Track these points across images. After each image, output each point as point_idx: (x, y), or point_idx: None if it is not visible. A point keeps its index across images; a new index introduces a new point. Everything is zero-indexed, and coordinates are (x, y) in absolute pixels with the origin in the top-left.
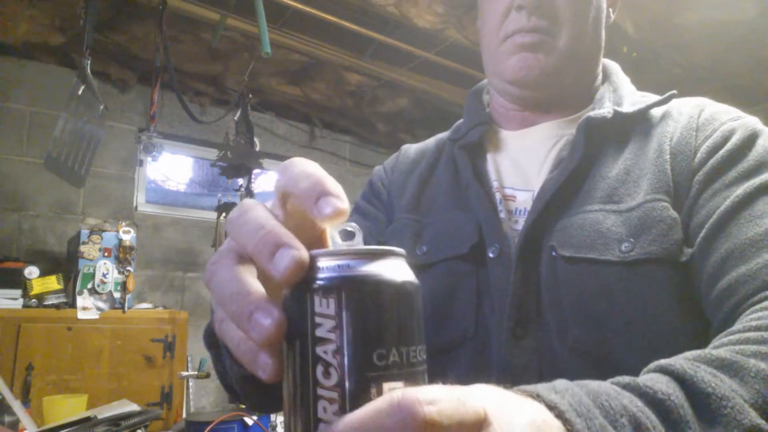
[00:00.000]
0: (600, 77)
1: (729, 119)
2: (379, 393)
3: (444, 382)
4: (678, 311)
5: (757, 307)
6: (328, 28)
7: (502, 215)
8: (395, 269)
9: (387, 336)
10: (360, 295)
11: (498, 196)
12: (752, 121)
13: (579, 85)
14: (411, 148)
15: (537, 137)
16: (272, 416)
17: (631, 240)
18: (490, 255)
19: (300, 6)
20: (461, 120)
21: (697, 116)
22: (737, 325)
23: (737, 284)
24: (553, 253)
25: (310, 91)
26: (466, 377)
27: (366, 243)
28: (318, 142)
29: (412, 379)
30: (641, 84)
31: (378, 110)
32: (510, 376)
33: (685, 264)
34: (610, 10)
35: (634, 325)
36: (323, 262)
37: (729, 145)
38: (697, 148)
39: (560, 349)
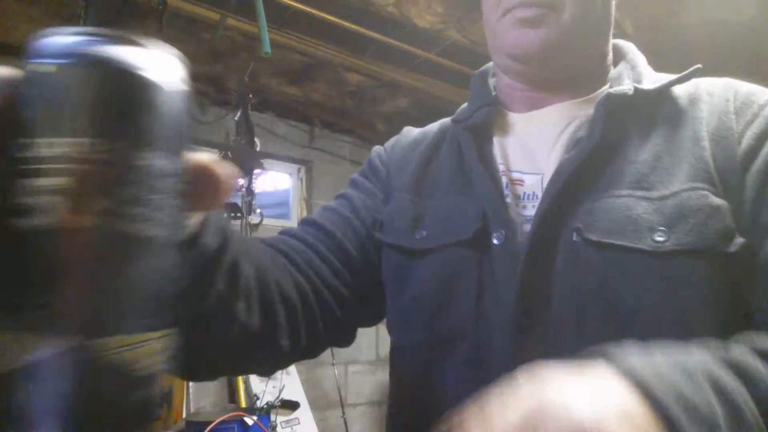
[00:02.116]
0: (611, 57)
1: (765, 102)
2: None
3: (439, 377)
4: (714, 307)
5: None
6: (328, 28)
7: (509, 200)
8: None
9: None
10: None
11: (504, 179)
12: None
13: (590, 62)
14: (413, 130)
15: (547, 119)
16: (272, 416)
17: (665, 229)
18: (495, 242)
19: (300, 6)
20: (465, 104)
21: (732, 99)
22: None
23: None
24: (575, 238)
25: (310, 91)
26: (463, 372)
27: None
28: (318, 142)
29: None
30: None
31: (378, 110)
32: (509, 372)
33: (733, 255)
34: None
35: (663, 322)
36: None
37: None
38: (741, 134)
39: (573, 344)
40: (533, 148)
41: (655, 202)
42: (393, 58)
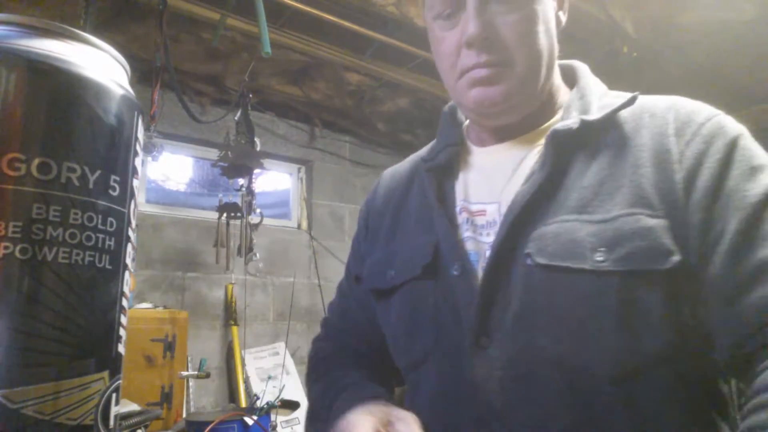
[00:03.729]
0: (559, 84)
1: (705, 120)
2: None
3: (418, 397)
4: (658, 321)
5: None
6: (328, 28)
7: (467, 233)
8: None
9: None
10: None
11: (464, 215)
12: (727, 123)
13: (542, 97)
14: (387, 175)
15: (506, 152)
16: (272, 416)
17: (605, 250)
18: (454, 273)
19: (300, 6)
20: (434, 141)
21: (672, 120)
22: None
23: None
24: (528, 261)
25: (310, 91)
26: (434, 393)
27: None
28: (318, 142)
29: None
30: (641, 84)
31: (378, 110)
32: (471, 388)
33: (669, 272)
34: (560, 13)
35: (607, 336)
36: None
37: (714, 151)
38: (681, 154)
39: (528, 359)
40: (493, 179)
41: (596, 224)
42: (393, 58)
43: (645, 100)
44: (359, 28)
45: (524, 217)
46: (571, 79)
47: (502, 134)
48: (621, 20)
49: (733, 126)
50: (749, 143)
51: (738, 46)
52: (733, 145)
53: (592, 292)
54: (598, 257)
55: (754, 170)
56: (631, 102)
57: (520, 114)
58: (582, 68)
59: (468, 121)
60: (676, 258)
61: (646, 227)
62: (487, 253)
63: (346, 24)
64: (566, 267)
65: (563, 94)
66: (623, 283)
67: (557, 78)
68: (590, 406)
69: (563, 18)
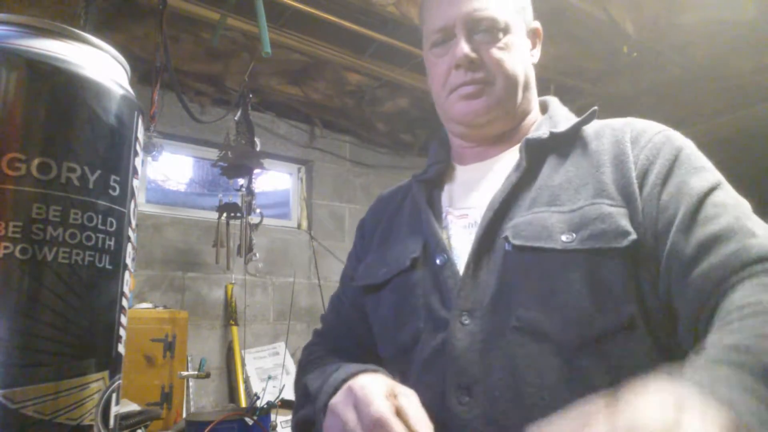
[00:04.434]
0: (537, 111)
1: (656, 133)
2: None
3: (406, 376)
4: (617, 292)
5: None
6: (328, 28)
7: (452, 231)
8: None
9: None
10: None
11: (449, 218)
12: (675, 135)
13: (519, 119)
14: (383, 195)
15: (486, 168)
16: (272, 416)
17: (572, 233)
18: (437, 263)
19: (300, 6)
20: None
21: (629, 131)
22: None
23: (716, 268)
24: (506, 246)
25: (310, 91)
26: (421, 368)
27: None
28: (318, 142)
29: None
30: (641, 84)
31: (378, 110)
32: (454, 360)
33: (626, 249)
34: (533, 52)
35: (572, 305)
36: None
37: (663, 154)
38: (637, 156)
39: (504, 330)
40: (475, 189)
41: (565, 214)
42: (393, 58)
43: (605, 121)
44: (359, 28)
45: (502, 212)
46: (544, 110)
47: (485, 150)
48: (621, 20)
49: (679, 137)
50: (693, 151)
51: (738, 46)
52: (678, 151)
53: (561, 268)
54: (565, 238)
55: (696, 170)
56: (591, 116)
57: (499, 127)
58: (553, 100)
59: (452, 144)
60: (632, 237)
61: (607, 213)
62: (470, 246)
63: (346, 24)
64: (539, 247)
65: (536, 120)
66: (588, 260)
67: (535, 106)
68: (560, 369)
69: (536, 56)
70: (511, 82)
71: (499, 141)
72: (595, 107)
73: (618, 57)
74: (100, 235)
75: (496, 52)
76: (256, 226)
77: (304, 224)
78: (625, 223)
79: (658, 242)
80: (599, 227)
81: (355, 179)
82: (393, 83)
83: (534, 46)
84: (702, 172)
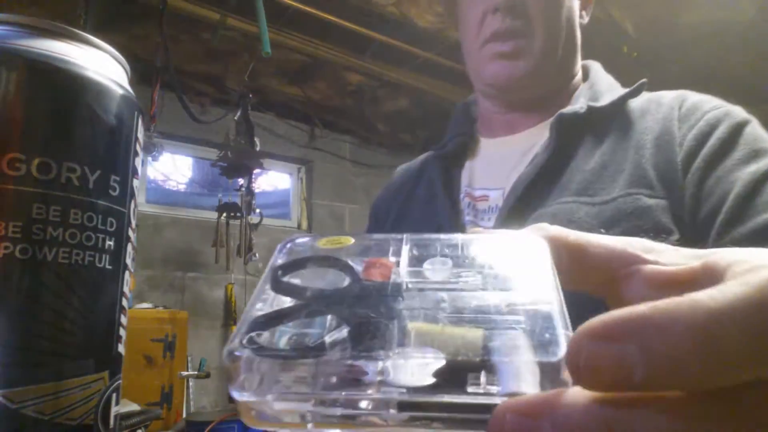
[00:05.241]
0: (579, 77)
1: (712, 107)
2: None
3: None
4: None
5: None
6: (328, 28)
7: (468, 218)
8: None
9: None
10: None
11: (467, 200)
12: (736, 110)
13: (558, 83)
14: (399, 171)
15: (515, 142)
16: None
17: (603, 231)
18: None
19: (300, 6)
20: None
21: (678, 107)
22: None
23: None
24: None
25: (310, 91)
26: None
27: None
28: (318, 142)
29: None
30: None
31: (378, 110)
32: None
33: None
34: (583, 12)
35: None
36: None
37: (718, 133)
38: (684, 137)
39: None
40: (499, 167)
41: (596, 206)
42: (393, 58)
43: (655, 93)
44: (359, 28)
45: (526, 199)
46: (585, 76)
47: (517, 119)
48: (621, 20)
49: (741, 113)
50: (757, 129)
51: (738, 45)
52: (738, 128)
53: None
54: None
55: (757, 153)
56: (639, 89)
57: (535, 91)
58: (595, 65)
59: (480, 109)
60: (674, 237)
61: (645, 206)
62: None
63: (346, 24)
64: None
65: (578, 87)
66: None
67: (578, 70)
68: None
69: (586, 18)
70: (552, 36)
71: (534, 108)
72: (644, 79)
73: (618, 57)
74: (100, 235)
75: None
76: (256, 226)
77: (304, 224)
78: (666, 220)
79: (698, 235)
80: (635, 224)
81: (355, 179)
82: (393, 83)
83: (584, 6)
84: (763, 157)
